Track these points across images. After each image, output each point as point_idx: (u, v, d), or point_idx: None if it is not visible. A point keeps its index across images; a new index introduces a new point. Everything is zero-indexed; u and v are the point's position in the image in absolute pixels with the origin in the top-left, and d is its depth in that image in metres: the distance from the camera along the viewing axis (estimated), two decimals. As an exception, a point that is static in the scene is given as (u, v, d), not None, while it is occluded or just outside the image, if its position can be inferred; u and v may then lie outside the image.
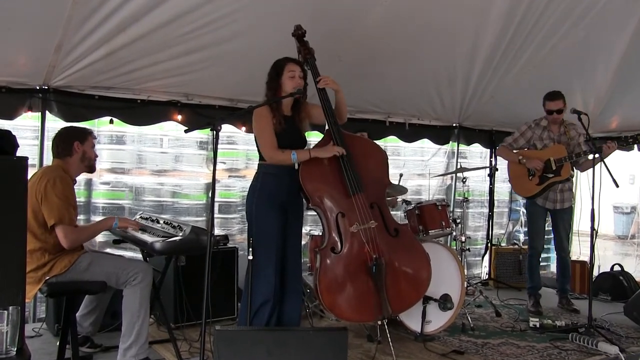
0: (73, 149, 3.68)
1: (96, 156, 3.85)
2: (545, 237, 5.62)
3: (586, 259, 5.98)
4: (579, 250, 6.45)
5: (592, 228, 4.42)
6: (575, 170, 5.48)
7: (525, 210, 5.60)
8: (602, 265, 6.66)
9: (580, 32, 5.38)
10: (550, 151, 5.19)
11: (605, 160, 4.54)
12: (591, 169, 4.46)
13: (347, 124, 4.05)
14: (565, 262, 5.48)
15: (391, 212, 4.05)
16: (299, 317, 3.88)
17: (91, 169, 3.85)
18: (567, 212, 5.42)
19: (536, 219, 5.40)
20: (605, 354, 4.09)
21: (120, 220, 3.80)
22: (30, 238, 3.35)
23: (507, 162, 5.50)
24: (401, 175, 5.71)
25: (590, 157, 5.22)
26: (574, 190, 7.54)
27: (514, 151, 5.37)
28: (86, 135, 3.76)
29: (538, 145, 5.27)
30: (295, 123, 3.84)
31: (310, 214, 4.22)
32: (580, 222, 5.53)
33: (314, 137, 5.55)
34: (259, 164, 3.82)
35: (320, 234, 4.65)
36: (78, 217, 4.57)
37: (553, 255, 5.78)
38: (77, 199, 4.78)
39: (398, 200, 5.36)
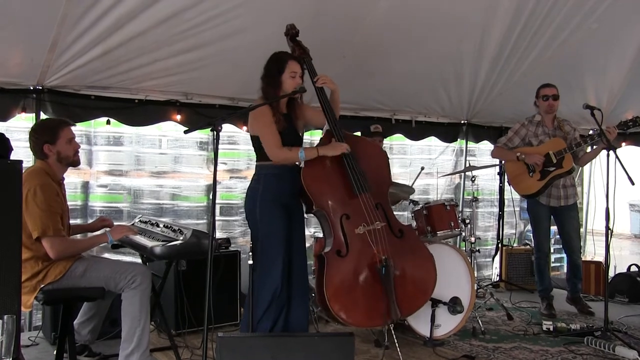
0: (44, 152, 3.54)
1: (77, 149, 3.66)
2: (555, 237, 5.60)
3: (601, 259, 5.97)
4: (593, 250, 6.44)
5: (607, 227, 4.39)
6: (577, 165, 5.44)
7: (528, 211, 5.54)
8: (618, 265, 6.61)
9: (593, 25, 5.34)
10: (548, 145, 5.16)
11: (618, 155, 4.50)
12: (598, 164, 4.44)
13: (352, 123, 4.05)
14: (577, 265, 5.43)
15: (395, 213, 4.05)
16: (306, 321, 3.88)
17: (74, 164, 3.68)
18: (573, 209, 5.38)
19: (541, 219, 5.37)
20: (623, 359, 4.07)
21: (114, 234, 3.66)
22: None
23: (504, 162, 5.47)
24: (422, 168, 5.69)
25: (588, 149, 5.22)
26: (587, 187, 7.56)
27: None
28: (56, 132, 3.55)
29: (534, 142, 5.24)
30: (292, 121, 3.84)
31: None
32: (595, 221, 5.50)
33: (315, 136, 5.57)
34: (257, 165, 3.79)
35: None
36: (75, 220, 4.59)
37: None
38: (74, 202, 4.81)
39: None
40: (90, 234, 4.17)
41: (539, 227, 5.41)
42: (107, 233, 3.68)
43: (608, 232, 4.39)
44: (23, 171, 3.68)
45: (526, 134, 5.28)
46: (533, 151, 5.18)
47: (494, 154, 5.62)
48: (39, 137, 3.56)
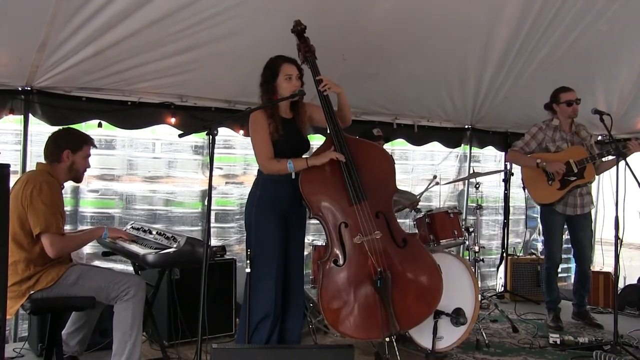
0: (62, 157, 3.64)
1: (87, 167, 3.80)
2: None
3: (610, 269, 5.95)
4: (602, 261, 6.42)
5: (617, 236, 4.38)
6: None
7: (540, 219, 5.52)
8: (628, 276, 6.59)
9: (603, 26, 5.33)
10: (568, 153, 5.13)
11: (629, 162, 4.50)
12: (607, 171, 4.43)
13: (353, 127, 4.04)
14: (587, 275, 5.42)
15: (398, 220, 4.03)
16: (300, 333, 3.86)
17: (77, 180, 3.83)
18: (588, 218, 5.36)
19: (554, 227, 5.33)
20: (633, 373, 4.06)
21: (110, 231, 3.79)
22: (14, 248, 3.35)
23: (520, 167, 5.44)
24: (435, 178, 5.68)
25: (610, 158, 5.20)
26: (595, 194, 7.54)
27: (528, 155, 5.30)
28: (81, 145, 3.71)
29: (551, 148, 5.21)
30: (297, 125, 3.84)
31: (313, 222, 4.22)
32: (604, 230, 5.48)
33: (316, 141, 5.55)
34: (258, 170, 3.82)
35: (324, 244, 4.65)
36: (65, 227, 4.57)
37: (574, 265, 5.72)
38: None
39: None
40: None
41: (552, 236, 5.37)
42: (105, 228, 3.78)
43: (617, 241, 4.38)
44: (26, 172, 3.76)
45: (543, 139, 5.25)
46: (554, 159, 5.12)
47: (509, 158, 5.56)
48: (63, 142, 3.68)
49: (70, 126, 4.21)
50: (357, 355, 4.23)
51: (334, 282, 3.66)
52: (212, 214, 5.53)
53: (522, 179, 5.40)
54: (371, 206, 3.75)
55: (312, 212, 3.71)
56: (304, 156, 3.79)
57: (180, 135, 3.36)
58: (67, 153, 3.65)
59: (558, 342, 4.71)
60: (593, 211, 5.54)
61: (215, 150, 3.08)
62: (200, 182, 5.62)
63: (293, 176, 3.69)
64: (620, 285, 6.12)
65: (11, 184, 2.74)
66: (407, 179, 6.70)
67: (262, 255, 3.64)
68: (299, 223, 3.87)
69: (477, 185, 5.66)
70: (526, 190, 5.39)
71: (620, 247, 4.42)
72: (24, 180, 3.53)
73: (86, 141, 3.77)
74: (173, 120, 5.08)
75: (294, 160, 3.65)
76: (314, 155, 3.79)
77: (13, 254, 3.32)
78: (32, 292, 3.40)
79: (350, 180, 3.71)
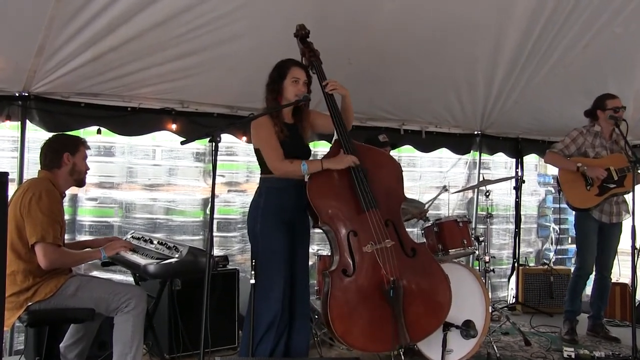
0: (62, 161, 3.67)
1: (87, 169, 3.83)
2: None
3: (627, 280, 5.92)
4: (618, 271, 6.39)
5: (633, 246, 4.37)
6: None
7: (575, 225, 5.51)
8: (646, 288, 6.56)
9: (617, 28, 5.32)
10: (608, 160, 5.14)
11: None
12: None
13: (358, 133, 4.04)
14: (607, 285, 5.41)
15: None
16: (307, 345, 3.86)
17: (80, 183, 3.85)
18: (619, 227, 5.34)
19: (589, 234, 5.30)
20: (653, 389, 4.04)
21: (107, 250, 3.73)
22: (13, 258, 3.36)
23: (558, 169, 5.42)
24: (445, 188, 5.71)
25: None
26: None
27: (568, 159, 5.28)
28: (78, 146, 3.76)
29: (590, 154, 5.21)
30: (299, 131, 3.85)
31: (318, 231, 4.22)
32: (621, 240, 5.46)
33: (321, 147, 5.56)
34: (261, 178, 3.81)
35: (329, 254, 4.65)
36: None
37: (592, 275, 5.69)
38: (61, 217, 4.79)
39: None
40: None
41: (586, 242, 5.34)
42: (101, 249, 3.72)
43: (634, 251, 4.36)
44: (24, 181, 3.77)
45: (583, 143, 5.25)
46: (595, 164, 5.14)
47: (548, 160, 5.54)
48: (61, 145, 3.73)
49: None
50: (363, 369, 4.23)
51: (343, 293, 3.64)
52: (215, 222, 5.54)
53: (558, 182, 5.39)
54: (382, 214, 3.74)
55: (320, 220, 3.70)
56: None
57: (182, 143, 3.33)
58: (67, 156, 3.68)
59: (573, 356, 4.69)
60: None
61: (217, 157, 3.09)
62: (201, 190, 5.63)
63: (306, 178, 3.69)
64: (638, 297, 6.08)
65: (10, 192, 2.76)
66: (414, 186, 6.70)
67: (267, 265, 3.63)
68: (304, 231, 3.86)
69: (487, 193, 5.66)
70: (561, 193, 5.38)
71: (638, 257, 4.40)
72: (24, 188, 3.55)
73: (81, 142, 3.82)
74: (174, 126, 5.09)
75: (308, 161, 3.65)
76: (327, 159, 3.77)
77: (11, 264, 3.34)
78: (30, 303, 3.41)
79: (360, 186, 3.70)
